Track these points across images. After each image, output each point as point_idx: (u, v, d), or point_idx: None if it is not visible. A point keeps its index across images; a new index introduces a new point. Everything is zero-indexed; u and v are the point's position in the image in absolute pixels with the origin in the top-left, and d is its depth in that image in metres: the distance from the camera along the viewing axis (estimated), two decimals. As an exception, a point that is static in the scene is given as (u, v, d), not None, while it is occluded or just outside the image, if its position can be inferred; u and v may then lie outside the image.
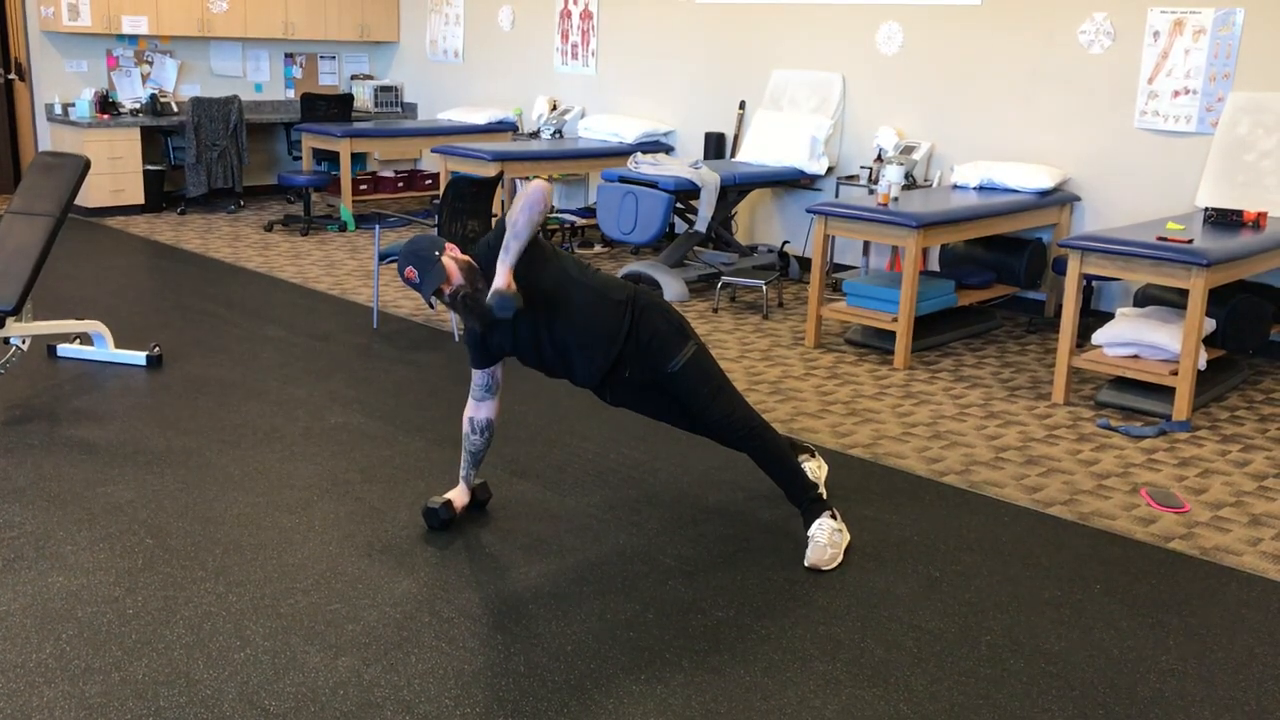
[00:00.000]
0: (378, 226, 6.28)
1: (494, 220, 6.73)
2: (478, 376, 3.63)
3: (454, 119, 9.62)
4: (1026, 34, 6.71)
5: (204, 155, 9.23)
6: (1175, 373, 4.94)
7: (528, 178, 9.40)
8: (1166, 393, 5.08)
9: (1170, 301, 5.68)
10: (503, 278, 3.30)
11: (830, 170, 7.64)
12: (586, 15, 9.05)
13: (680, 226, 8.53)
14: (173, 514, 3.68)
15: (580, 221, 8.57)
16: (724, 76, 8.25)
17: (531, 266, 3.40)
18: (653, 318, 3.50)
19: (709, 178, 6.84)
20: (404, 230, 9.04)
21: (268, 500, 3.81)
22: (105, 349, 5.33)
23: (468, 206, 5.69)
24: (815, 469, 3.93)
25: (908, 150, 7.11)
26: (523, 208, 3.28)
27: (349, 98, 9.70)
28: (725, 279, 6.85)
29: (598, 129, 8.70)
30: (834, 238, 7.26)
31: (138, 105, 9.62)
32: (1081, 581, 3.43)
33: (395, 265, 7.52)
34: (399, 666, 2.84)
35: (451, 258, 3.35)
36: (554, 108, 9.33)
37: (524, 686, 2.77)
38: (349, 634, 2.98)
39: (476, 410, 3.66)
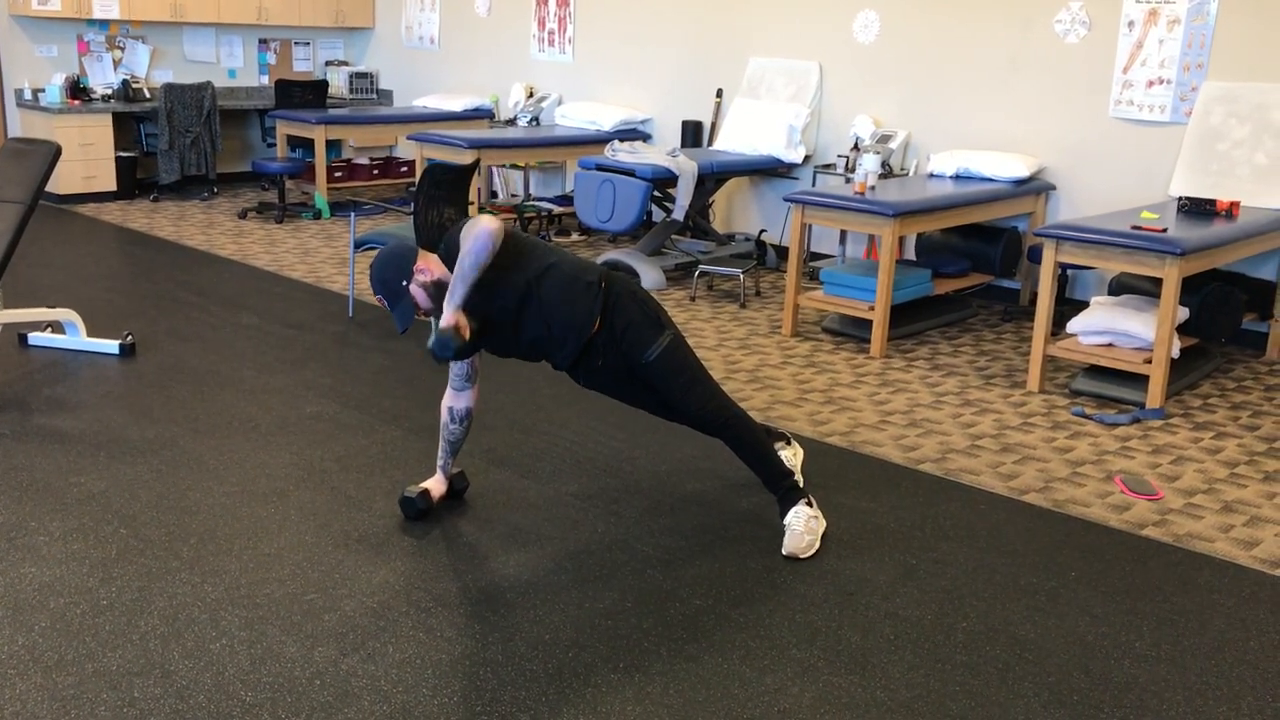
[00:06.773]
0: (353, 214, 6.24)
1: (471, 209, 6.69)
2: (456, 366, 3.61)
3: (430, 106, 9.56)
4: (1003, 23, 6.73)
5: (177, 142, 9.14)
6: (1149, 361, 4.98)
7: (504, 166, 9.37)
8: (1140, 380, 5.12)
9: (1144, 290, 5.73)
10: (448, 317, 3.26)
11: (807, 159, 7.64)
12: (563, 2, 9.01)
13: (658, 215, 8.53)
14: (146, 504, 3.65)
15: (557, 209, 8.55)
16: (701, 64, 8.24)
17: (500, 270, 3.39)
18: (627, 306, 3.48)
19: (686, 166, 6.83)
20: (379, 218, 8.99)
21: (243, 490, 3.79)
22: (77, 337, 5.28)
23: (444, 194, 5.63)
24: (791, 456, 3.95)
25: (884, 139, 7.12)
26: (469, 250, 3.20)
27: (323, 84, 9.62)
28: (703, 267, 6.85)
29: (575, 116, 8.67)
30: (811, 226, 7.27)
31: (109, 91, 9.51)
32: (1056, 568, 3.46)
33: (370, 253, 7.49)
34: (376, 656, 2.83)
35: (420, 284, 3.33)
36: (531, 95, 9.29)
37: (502, 675, 2.77)
38: (326, 624, 2.97)
39: (455, 400, 3.64)
